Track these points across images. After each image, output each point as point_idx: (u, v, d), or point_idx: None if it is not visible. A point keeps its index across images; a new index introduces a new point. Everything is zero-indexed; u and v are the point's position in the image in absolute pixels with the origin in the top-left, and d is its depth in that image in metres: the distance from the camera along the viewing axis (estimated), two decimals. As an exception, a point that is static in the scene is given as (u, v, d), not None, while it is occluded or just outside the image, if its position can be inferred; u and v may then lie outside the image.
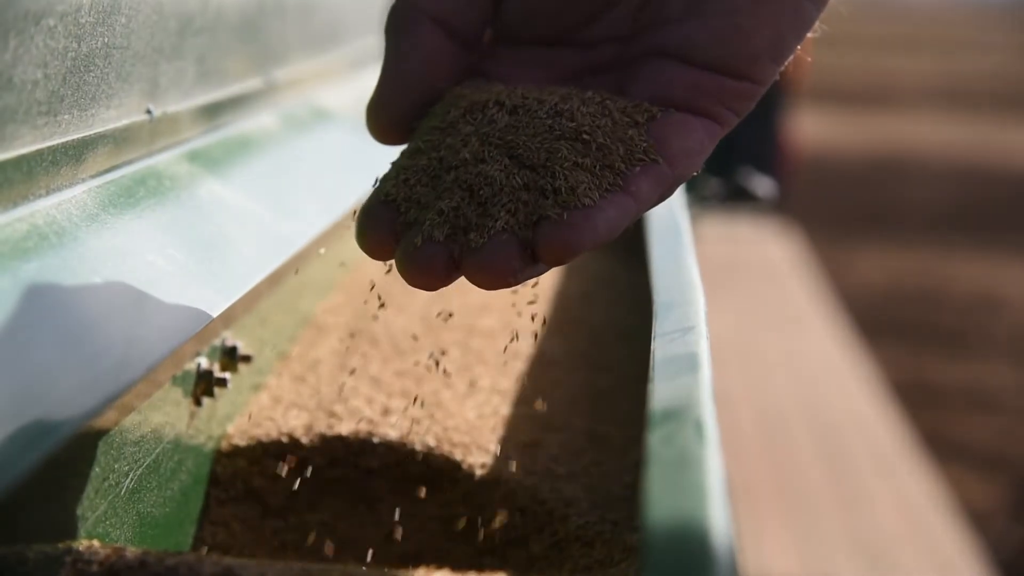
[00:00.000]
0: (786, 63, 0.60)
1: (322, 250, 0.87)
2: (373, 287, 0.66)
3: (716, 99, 0.59)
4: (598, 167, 0.56)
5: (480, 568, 0.74)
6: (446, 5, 0.59)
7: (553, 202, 0.55)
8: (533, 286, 0.64)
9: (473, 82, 0.60)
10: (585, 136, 0.57)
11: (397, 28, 0.59)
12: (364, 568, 0.66)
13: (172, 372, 0.68)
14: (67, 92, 0.63)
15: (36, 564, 0.54)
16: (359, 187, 0.59)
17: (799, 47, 0.60)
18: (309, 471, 0.77)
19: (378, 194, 0.58)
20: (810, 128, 9.10)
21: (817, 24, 0.59)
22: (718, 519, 0.43)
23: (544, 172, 0.56)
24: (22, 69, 0.57)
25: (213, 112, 0.89)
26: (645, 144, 0.58)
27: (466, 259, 0.55)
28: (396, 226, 0.57)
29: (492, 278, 0.56)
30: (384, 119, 0.59)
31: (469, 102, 0.59)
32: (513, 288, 0.59)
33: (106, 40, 0.66)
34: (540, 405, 0.82)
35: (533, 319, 0.62)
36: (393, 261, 0.58)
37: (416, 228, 0.56)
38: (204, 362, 0.73)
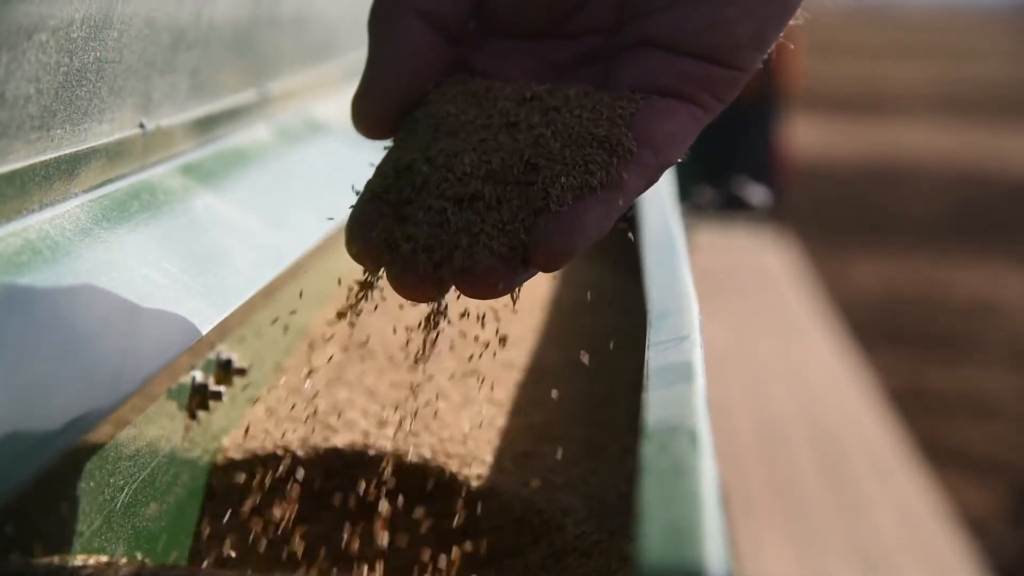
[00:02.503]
0: (769, 50, 0.60)
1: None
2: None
3: (701, 86, 0.59)
4: (582, 166, 0.56)
5: (477, 579, 0.74)
6: None
7: (541, 207, 0.56)
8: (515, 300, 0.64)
9: (458, 77, 0.60)
10: (568, 136, 0.57)
11: (382, 21, 0.59)
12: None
13: (167, 385, 0.68)
14: (60, 107, 0.63)
15: (31, 579, 0.54)
16: (353, 199, 0.59)
17: (782, 35, 0.60)
18: (304, 483, 0.77)
19: (367, 200, 0.58)
20: (805, 136, 9.11)
21: (799, 12, 0.60)
22: (712, 528, 0.43)
23: (530, 177, 0.56)
24: (14, 84, 0.57)
25: (207, 125, 0.89)
26: (627, 136, 0.58)
27: (457, 269, 0.55)
28: (385, 232, 0.57)
29: (483, 288, 0.56)
30: (369, 113, 0.59)
31: (453, 104, 0.59)
32: (508, 296, 0.59)
33: (98, 54, 0.66)
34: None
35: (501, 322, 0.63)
36: (375, 269, 0.58)
37: (406, 239, 0.56)
38: (199, 375, 0.73)
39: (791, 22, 0.60)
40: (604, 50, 0.61)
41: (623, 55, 0.60)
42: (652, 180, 0.59)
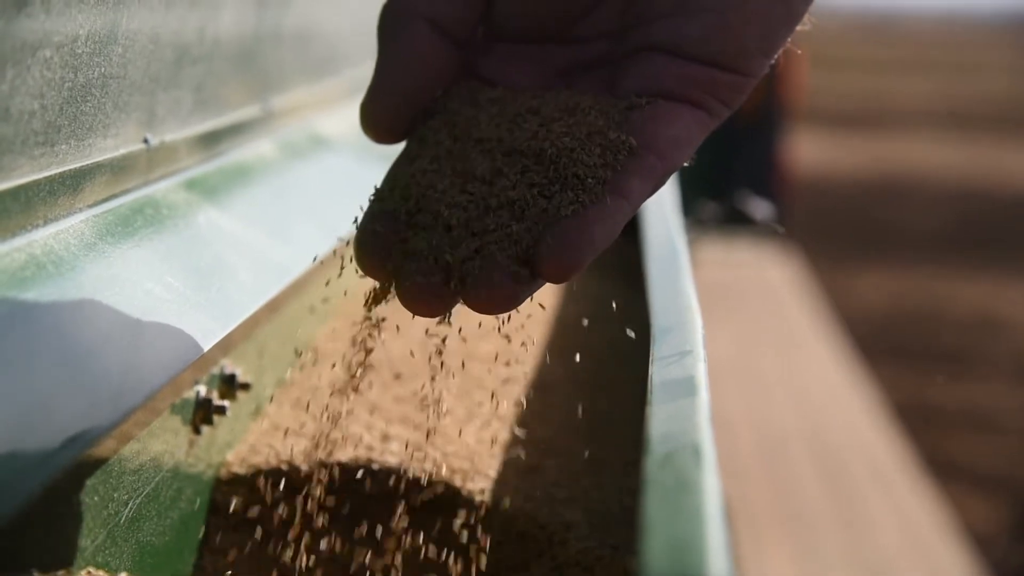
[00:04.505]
0: (776, 56, 0.60)
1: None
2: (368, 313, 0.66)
3: (706, 91, 0.59)
4: (589, 175, 0.56)
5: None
6: (439, 4, 0.59)
7: (549, 219, 0.56)
8: (529, 317, 0.64)
9: (465, 85, 0.60)
10: (573, 146, 0.57)
11: (390, 27, 0.59)
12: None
13: (171, 400, 0.68)
14: (64, 122, 0.63)
15: (35, 594, 0.54)
16: (360, 213, 0.60)
17: (789, 40, 0.60)
18: (308, 498, 0.77)
19: (375, 213, 0.58)
20: (808, 151, 9.11)
21: (807, 17, 0.59)
22: (716, 543, 0.43)
23: (537, 189, 0.56)
24: (19, 100, 0.57)
25: (211, 140, 0.90)
26: (629, 142, 0.58)
27: (465, 285, 0.56)
28: (394, 246, 0.57)
29: (492, 304, 0.56)
30: (378, 118, 0.59)
31: (460, 116, 0.59)
32: (515, 311, 0.59)
33: (103, 70, 0.66)
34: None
35: (526, 345, 0.63)
36: (384, 283, 0.58)
37: (414, 254, 0.56)
38: (203, 390, 0.73)
39: (798, 28, 0.59)
40: (610, 55, 0.61)
41: (628, 60, 0.60)
42: (659, 184, 0.59)
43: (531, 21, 0.61)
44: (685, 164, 0.60)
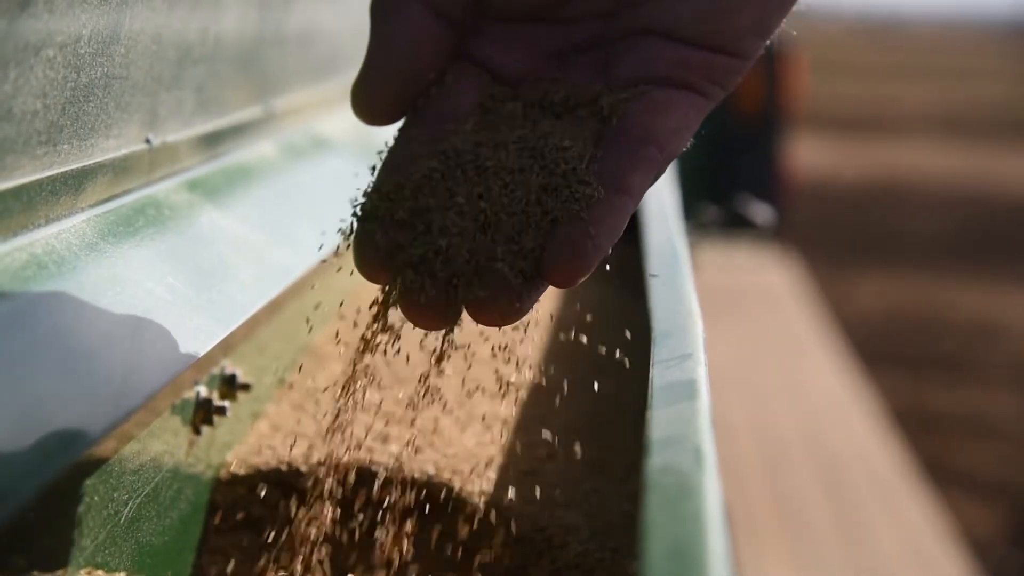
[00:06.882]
0: (771, 37, 0.59)
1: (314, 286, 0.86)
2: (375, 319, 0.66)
3: (702, 74, 0.58)
4: (585, 177, 0.56)
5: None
6: None
7: (551, 226, 0.55)
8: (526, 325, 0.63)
9: (461, 71, 0.60)
10: (571, 147, 0.57)
11: (384, 8, 0.58)
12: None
13: (171, 400, 0.68)
14: (66, 122, 0.63)
15: (35, 593, 0.54)
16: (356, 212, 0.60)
17: (784, 22, 0.59)
18: (308, 499, 0.77)
19: (372, 217, 0.57)
20: (809, 155, 9.11)
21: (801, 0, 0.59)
22: (716, 547, 0.43)
23: (537, 196, 0.56)
24: (22, 99, 0.57)
25: (212, 141, 0.90)
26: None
27: (468, 297, 0.55)
28: (395, 252, 0.56)
29: (497, 316, 0.55)
30: (369, 99, 0.58)
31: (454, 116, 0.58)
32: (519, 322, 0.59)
33: (105, 70, 0.66)
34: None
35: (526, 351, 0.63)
36: (387, 289, 0.58)
37: (416, 264, 0.55)
38: (203, 390, 0.73)
39: (794, 8, 0.59)
40: (601, 37, 0.60)
41: (622, 43, 0.60)
42: (659, 174, 0.58)
43: (523, 1, 0.60)
44: (684, 149, 0.60)
